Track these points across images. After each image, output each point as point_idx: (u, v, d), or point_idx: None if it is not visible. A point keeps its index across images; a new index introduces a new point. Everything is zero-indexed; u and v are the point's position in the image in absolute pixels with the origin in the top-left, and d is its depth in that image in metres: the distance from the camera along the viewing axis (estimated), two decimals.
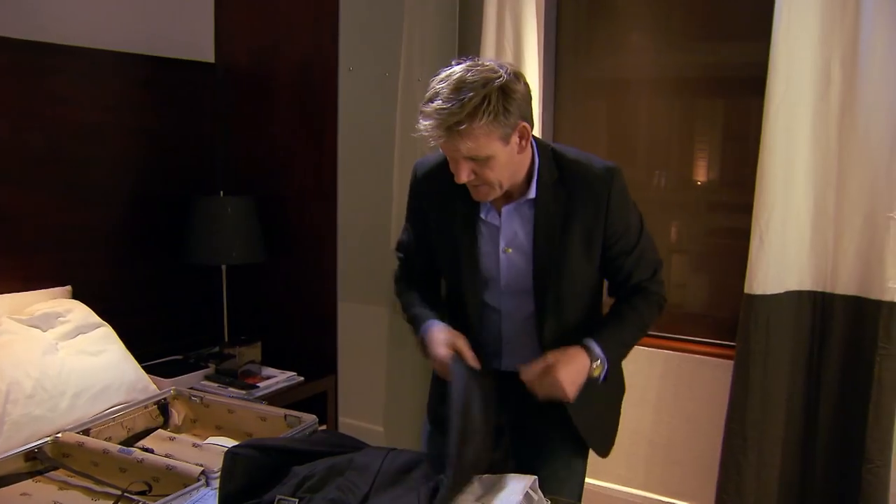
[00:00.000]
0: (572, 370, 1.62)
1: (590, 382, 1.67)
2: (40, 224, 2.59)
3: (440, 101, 1.48)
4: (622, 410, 2.02)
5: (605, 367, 1.68)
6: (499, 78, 1.49)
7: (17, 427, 2.02)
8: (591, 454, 1.92)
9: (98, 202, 2.76)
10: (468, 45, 3.13)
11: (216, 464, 1.78)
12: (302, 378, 2.86)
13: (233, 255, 2.87)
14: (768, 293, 2.48)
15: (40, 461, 1.93)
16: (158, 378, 2.60)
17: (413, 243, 1.88)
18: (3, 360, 2.11)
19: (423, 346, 1.72)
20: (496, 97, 1.48)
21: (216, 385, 2.72)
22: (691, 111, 3.06)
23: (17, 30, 2.48)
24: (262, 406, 2.22)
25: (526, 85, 1.57)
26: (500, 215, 1.70)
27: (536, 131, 2.85)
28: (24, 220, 2.54)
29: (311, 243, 2.99)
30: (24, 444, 1.97)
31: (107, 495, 1.80)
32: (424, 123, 1.51)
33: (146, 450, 1.98)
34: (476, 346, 1.76)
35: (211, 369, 2.84)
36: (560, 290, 1.71)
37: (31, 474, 1.90)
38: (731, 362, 2.62)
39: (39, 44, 2.53)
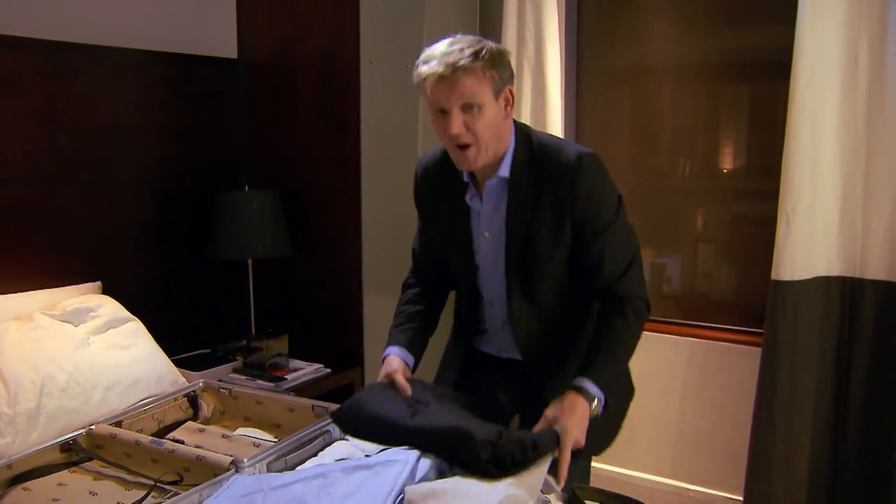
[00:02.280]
0: (576, 421, 1.61)
1: (560, 346, 1.79)
2: (70, 221, 2.63)
3: (441, 49, 1.62)
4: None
5: (603, 401, 1.68)
6: (488, 42, 1.65)
7: (52, 419, 2.06)
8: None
9: (125, 199, 2.79)
10: (489, 36, 3.12)
11: (245, 454, 1.81)
12: (329, 370, 2.88)
13: (258, 249, 2.90)
14: (796, 279, 2.45)
15: (75, 452, 1.97)
16: (187, 371, 2.63)
17: (420, 237, 2.00)
18: (38, 354, 2.15)
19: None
20: (490, 50, 1.63)
21: (244, 378, 2.75)
22: (715, 98, 3.03)
23: (42, 30, 2.51)
24: (289, 397, 2.24)
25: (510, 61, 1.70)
26: (481, 200, 1.77)
27: (559, 121, 2.87)
28: (53, 217, 2.58)
29: (336, 236, 3.00)
30: (60, 436, 2.02)
31: (140, 485, 1.83)
32: (427, 66, 1.62)
33: (177, 441, 2.00)
34: (479, 329, 1.92)
35: (239, 362, 2.87)
36: (529, 270, 1.75)
37: (66, 465, 1.94)
38: (758, 349, 2.60)
39: (65, 44, 2.57)
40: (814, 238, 2.44)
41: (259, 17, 3.11)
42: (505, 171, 1.72)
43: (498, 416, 1.85)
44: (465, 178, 1.79)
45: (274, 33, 3.09)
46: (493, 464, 1.51)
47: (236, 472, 1.74)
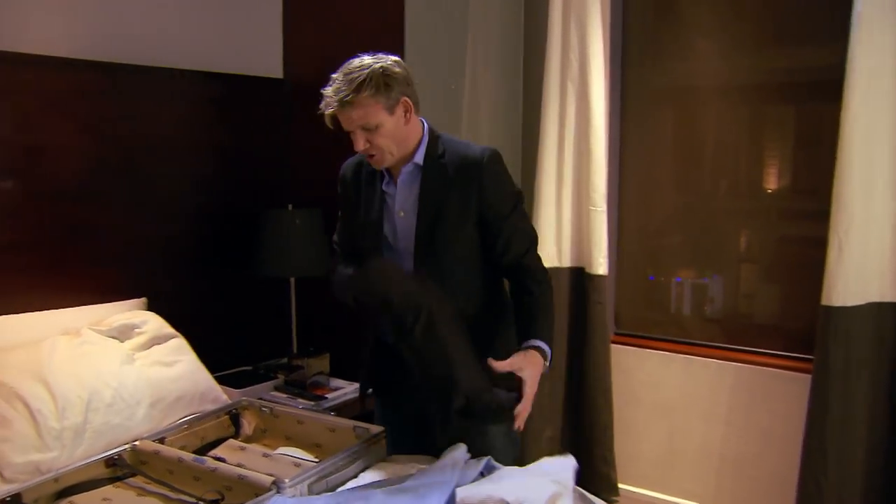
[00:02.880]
0: (536, 373, 1.80)
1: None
2: (117, 237, 2.67)
3: (336, 85, 1.85)
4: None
5: (549, 357, 1.87)
6: (379, 63, 1.84)
7: (98, 434, 2.09)
8: None
9: (171, 216, 2.84)
10: (533, 56, 3.11)
11: (286, 474, 1.81)
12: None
13: (301, 268, 2.91)
14: (848, 305, 2.38)
15: (120, 468, 1.99)
16: (229, 388, 2.66)
17: (342, 232, 2.16)
18: (85, 369, 2.19)
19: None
20: (377, 76, 1.82)
21: (285, 396, 2.76)
22: (761, 117, 2.98)
23: (96, 52, 2.57)
24: (330, 417, 2.24)
25: (405, 69, 1.90)
26: (395, 185, 1.98)
27: (603, 141, 2.85)
28: (102, 233, 2.63)
29: None
30: (105, 451, 2.04)
31: (182, 503, 1.84)
32: (324, 102, 1.86)
33: (218, 459, 2.01)
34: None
35: (280, 380, 2.88)
36: (437, 246, 1.92)
37: (111, 480, 1.96)
38: (805, 376, 2.53)
39: (115, 64, 2.63)
40: (867, 262, 2.37)
41: (305, 38, 3.15)
42: (419, 158, 1.94)
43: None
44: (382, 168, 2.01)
45: (320, 54, 3.12)
46: (460, 414, 1.72)
47: (277, 492, 1.74)
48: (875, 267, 2.38)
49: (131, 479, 1.97)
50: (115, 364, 2.27)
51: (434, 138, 1.97)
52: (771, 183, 2.95)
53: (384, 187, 2.00)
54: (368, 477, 1.79)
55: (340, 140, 3.07)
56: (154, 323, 2.51)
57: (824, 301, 2.42)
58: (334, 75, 1.87)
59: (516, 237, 1.94)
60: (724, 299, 3.04)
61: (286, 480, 1.76)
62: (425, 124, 1.99)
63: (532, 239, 2.00)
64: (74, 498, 1.86)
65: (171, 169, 2.84)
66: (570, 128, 2.91)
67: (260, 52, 3.14)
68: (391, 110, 1.86)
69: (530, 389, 1.75)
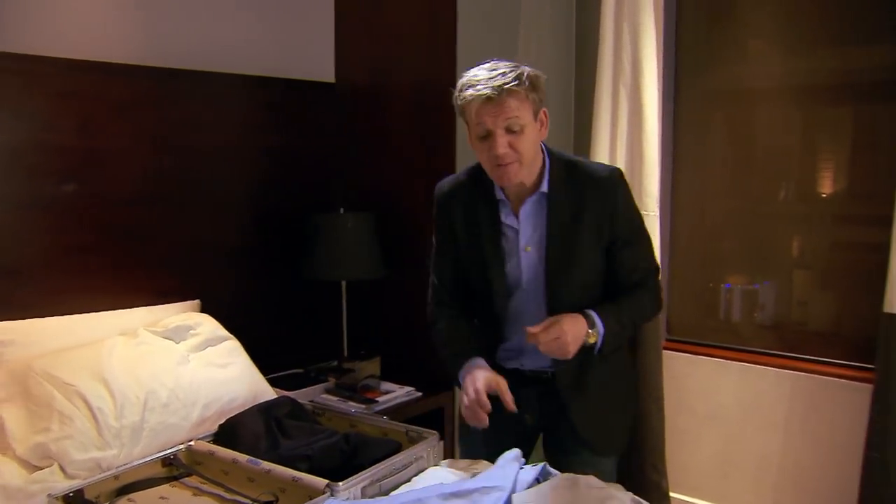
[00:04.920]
0: (574, 327, 1.74)
1: (586, 352, 1.80)
2: (173, 241, 2.72)
3: (485, 74, 1.70)
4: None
5: (601, 339, 1.79)
6: (525, 67, 1.73)
7: (155, 434, 2.13)
8: None
9: (224, 220, 2.87)
10: (585, 60, 3.09)
11: (340, 477, 1.81)
12: (420, 393, 2.88)
13: (352, 271, 2.93)
14: None
15: (176, 467, 2.02)
16: (280, 390, 2.67)
17: (444, 262, 2.03)
18: (142, 370, 2.23)
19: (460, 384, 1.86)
20: (530, 75, 1.72)
21: (336, 398, 2.77)
22: (817, 119, 2.90)
23: (154, 58, 2.63)
24: (383, 421, 2.24)
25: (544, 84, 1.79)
26: (518, 218, 1.86)
27: (656, 145, 2.82)
28: (158, 236, 2.68)
29: (430, 258, 3.01)
30: (161, 451, 2.07)
31: (237, 503, 1.86)
32: (473, 90, 1.69)
33: None
34: (503, 347, 1.95)
35: (331, 383, 2.89)
36: (571, 279, 1.84)
37: (167, 479, 1.98)
38: (866, 385, 2.47)
39: (175, 70, 2.68)
40: None
41: (356, 42, 3.17)
42: (545, 186, 1.83)
43: (523, 437, 1.98)
44: (500, 196, 1.87)
45: (371, 58, 3.14)
46: (313, 472, 1.80)
47: (331, 495, 1.74)
48: None
49: (187, 479, 1.99)
50: (171, 365, 2.30)
51: (556, 160, 1.86)
52: (826, 187, 2.88)
53: (505, 220, 1.87)
54: (422, 481, 1.79)
55: (391, 143, 3.11)
56: (208, 325, 2.54)
57: (886, 308, 2.36)
58: (472, 76, 1.73)
59: (640, 262, 1.90)
60: (776, 306, 2.97)
61: (340, 484, 1.76)
62: (546, 148, 1.88)
63: (654, 263, 1.97)
64: (133, 495, 1.88)
65: (226, 173, 2.87)
66: (623, 131, 2.88)
67: (312, 57, 3.17)
68: (535, 115, 1.76)
69: (552, 323, 1.73)
